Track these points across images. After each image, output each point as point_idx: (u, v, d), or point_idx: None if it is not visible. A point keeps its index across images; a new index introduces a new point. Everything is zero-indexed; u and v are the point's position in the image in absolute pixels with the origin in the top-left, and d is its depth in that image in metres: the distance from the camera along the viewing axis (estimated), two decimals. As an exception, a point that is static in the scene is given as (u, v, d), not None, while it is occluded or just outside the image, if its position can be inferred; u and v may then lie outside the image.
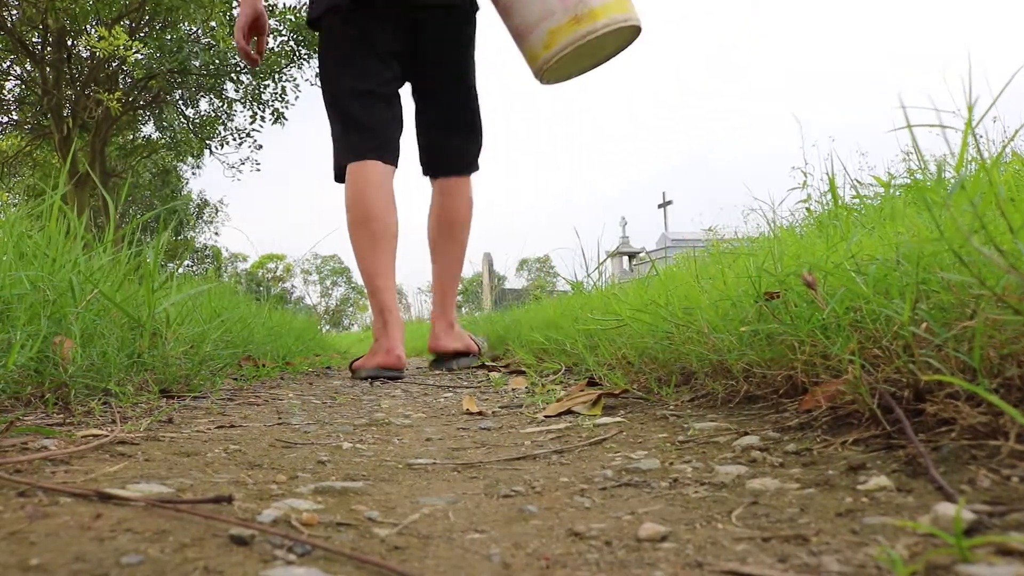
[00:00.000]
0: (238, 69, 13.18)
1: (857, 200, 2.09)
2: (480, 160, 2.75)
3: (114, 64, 12.44)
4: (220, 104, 14.35)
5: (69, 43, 12.86)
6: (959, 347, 0.85)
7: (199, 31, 12.92)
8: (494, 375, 2.71)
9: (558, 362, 2.69)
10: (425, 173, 2.73)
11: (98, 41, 10.03)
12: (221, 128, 14.75)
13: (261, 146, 15.15)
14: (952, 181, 1.12)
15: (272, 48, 13.54)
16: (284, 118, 14.31)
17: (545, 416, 1.53)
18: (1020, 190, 1.09)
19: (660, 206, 18.36)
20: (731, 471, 0.89)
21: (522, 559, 0.62)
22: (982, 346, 0.80)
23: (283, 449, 1.17)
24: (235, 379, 2.41)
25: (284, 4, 13.32)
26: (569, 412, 1.53)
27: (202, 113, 14.63)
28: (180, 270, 2.58)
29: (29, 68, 13.30)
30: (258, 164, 15.61)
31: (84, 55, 13.07)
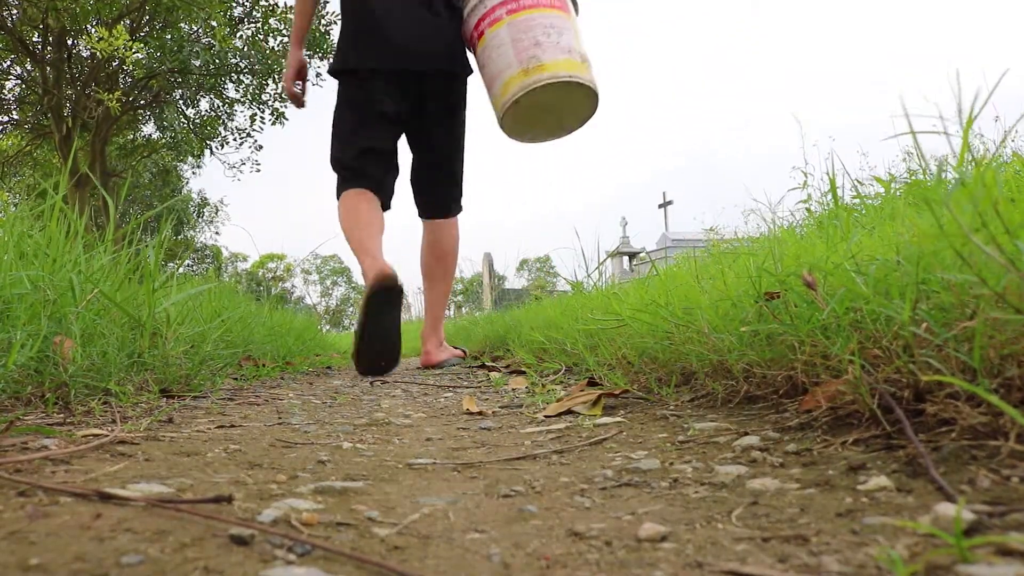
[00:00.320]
0: (238, 69, 13.19)
1: (857, 200, 2.09)
2: (462, 202, 3.19)
3: (114, 64, 12.45)
4: (220, 104, 14.35)
5: (69, 43, 12.86)
6: (959, 347, 0.85)
7: (199, 31, 12.93)
8: (494, 375, 2.71)
9: (558, 362, 2.69)
10: (420, 215, 3.18)
11: (98, 41, 10.02)
12: (221, 128, 14.76)
13: (261, 146, 15.15)
14: (952, 181, 1.12)
15: (272, 48, 13.55)
16: (284, 118, 14.31)
17: (545, 416, 1.53)
18: (1020, 190, 1.09)
19: (660, 206, 18.37)
20: (731, 471, 0.89)
21: (522, 559, 0.62)
22: (982, 346, 0.80)
23: (283, 449, 1.17)
24: (235, 379, 2.42)
25: (285, 4, 13.32)
26: (569, 412, 1.53)
27: (202, 113, 14.64)
28: (180, 270, 2.58)
29: (29, 68, 13.31)
30: (258, 164, 15.61)
31: (84, 55, 13.08)
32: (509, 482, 0.93)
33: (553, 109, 2.58)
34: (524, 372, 2.65)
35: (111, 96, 11.12)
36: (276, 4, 13.41)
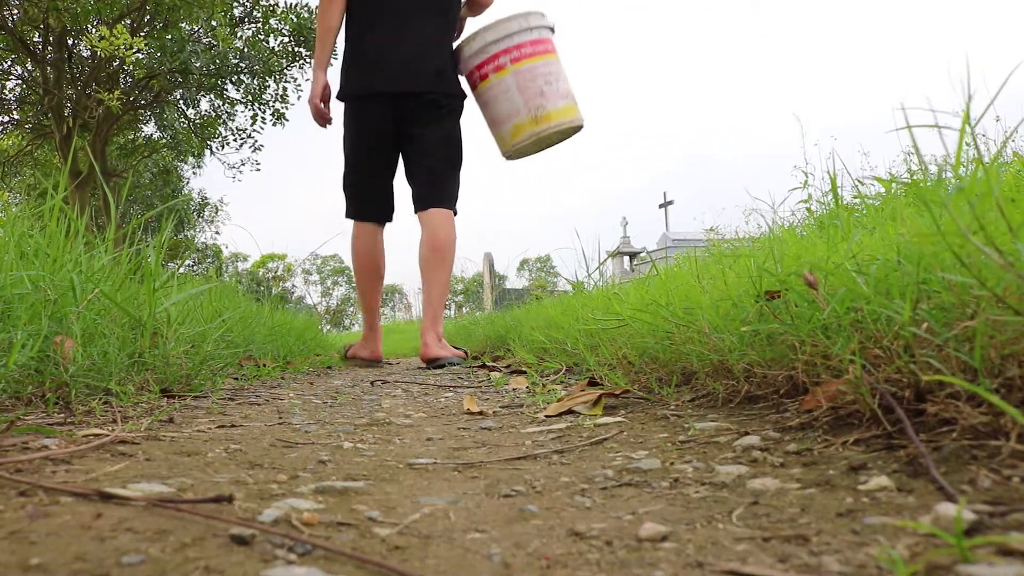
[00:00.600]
0: (239, 70, 13.18)
1: (858, 200, 2.09)
2: (457, 205, 3.46)
3: (115, 64, 12.44)
4: (221, 104, 14.34)
5: (70, 43, 12.86)
6: (960, 347, 0.85)
7: (200, 31, 12.92)
8: (495, 375, 2.71)
9: (559, 362, 2.69)
10: (415, 211, 3.44)
11: (99, 41, 10.02)
12: (222, 128, 14.75)
13: (262, 147, 15.13)
14: (952, 182, 1.12)
15: (273, 48, 13.53)
16: (285, 118, 14.30)
17: (546, 416, 1.53)
18: (1021, 190, 1.09)
19: (661, 206, 18.37)
20: (732, 471, 0.89)
21: (523, 559, 0.62)
22: (983, 346, 0.80)
23: (284, 449, 1.17)
24: (236, 379, 2.42)
25: (286, 4, 13.32)
26: (570, 412, 1.53)
27: (203, 113, 14.63)
28: (181, 270, 2.58)
29: (30, 67, 13.30)
30: (258, 164, 15.61)
31: (85, 55, 13.07)
32: (510, 482, 0.93)
33: (548, 140, 3.18)
34: (525, 372, 2.65)
35: (111, 96, 11.12)
36: (276, 4, 13.41)
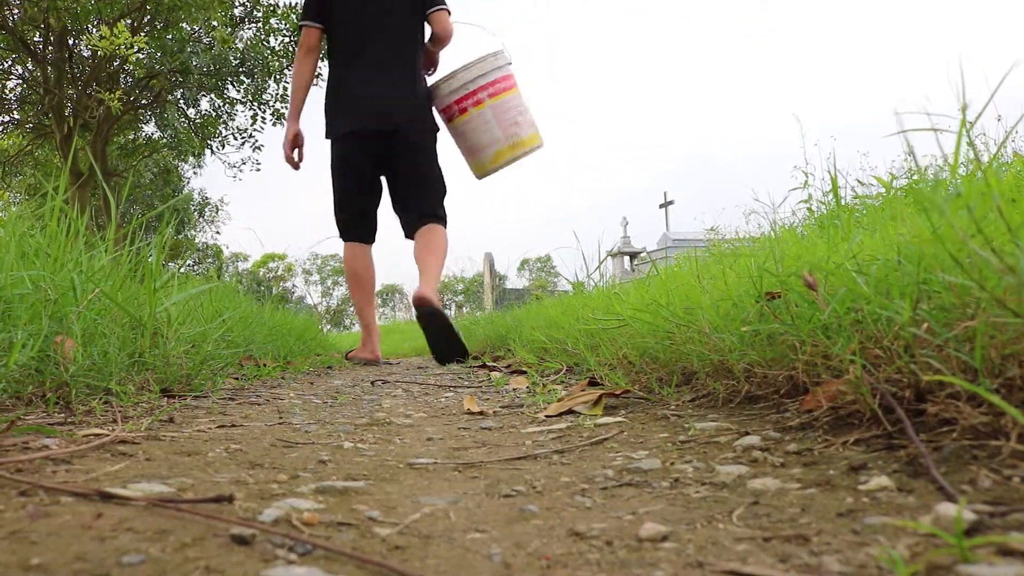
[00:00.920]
0: (239, 70, 13.18)
1: (858, 200, 2.09)
2: (446, 219, 3.77)
3: (115, 63, 12.44)
4: (221, 104, 14.34)
5: (70, 42, 12.86)
6: (960, 347, 0.85)
7: (200, 31, 12.92)
8: (495, 375, 2.71)
9: (559, 362, 2.69)
10: (406, 236, 3.82)
11: (99, 40, 10.02)
12: (222, 127, 14.75)
13: (262, 146, 15.14)
14: (950, 184, 1.12)
15: (273, 48, 13.54)
16: (285, 119, 14.31)
17: (546, 416, 1.53)
18: (1021, 190, 1.09)
19: (661, 206, 18.36)
20: (732, 471, 0.89)
21: (523, 559, 0.62)
22: (983, 346, 0.80)
23: (284, 449, 1.17)
24: (236, 379, 2.42)
25: (286, 4, 13.33)
26: (570, 412, 1.53)
27: (203, 112, 14.63)
28: (181, 269, 2.59)
29: (31, 67, 13.30)
30: (258, 164, 15.61)
31: (85, 54, 13.08)
32: (510, 482, 0.93)
33: (516, 161, 3.70)
34: (525, 372, 2.65)
35: (112, 96, 11.12)
36: (277, 3, 13.42)
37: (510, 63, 3.62)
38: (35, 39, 12.81)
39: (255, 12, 13.52)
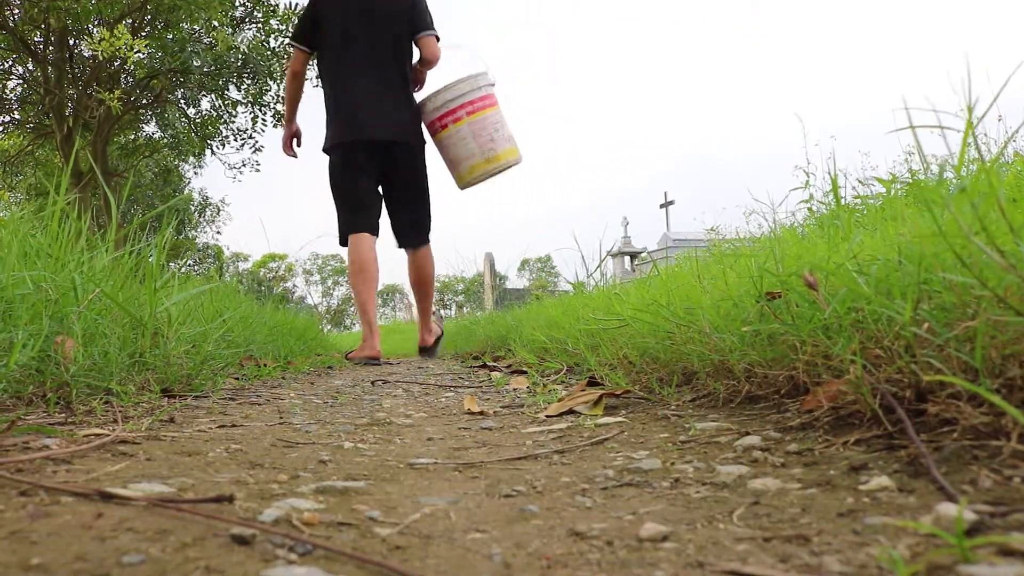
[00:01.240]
0: (240, 71, 13.18)
1: (859, 200, 2.09)
2: (431, 234, 4.25)
3: (116, 64, 12.44)
4: (221, 104, 14.33)
5: (71, 42, 12.86)
6: (961, 347, 0.85)
7: (201, 31, 12.92)
8: (496, 375, 2.71)
9: (559, 362, 2.69)
10: (399, 247, 4.27)
11: (99, 42, 10.02)
12: (223, 127, 14.74)
13: (262, 147, 15.13)
14: (953, 182, 1.12)
15: (274, 49, 13.54)
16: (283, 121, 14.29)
17: (546, 416, 1.53)
18: (1022, 190, 1.09)
19: (662, 206, 18.34)
20: (732, 471, 0.89)
21: (523, 559, 0.62)
22: (984, 346, 0.80)
23: (284, 449, 1.17)
24: (236, 379, 2.42)
25: (286, 5, 13.32)
26: (570, 412, 1.53)
27: (203, 112, 14.62)
28: (182, 270, 2.59)
29: (31, 67, 13.29)
30: (258, 165, 15.60)
31: (86, 54, 13.07)
32: (510, 482, 0.93)
33: (493, 174, 4.01)
34: (525, 372, 2.65)
35: (112, 96, 11.12)
36: (277, 5, 13.42)
37: (491, 84, 3.96)
38: (35, 39, 12.81)
39: (255, 13, 13.52)
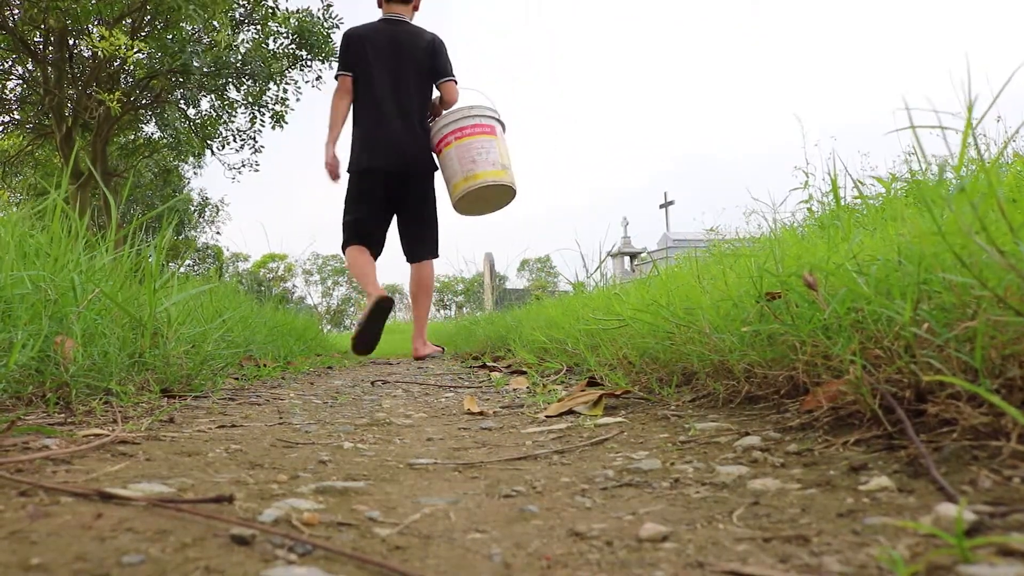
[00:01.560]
0: (240, 71, 13.17)
1: (859, 200, 2.09)
2: (438, 251, 4.59)
3: (115, 64, 12.43)
4: (221, 104, 14.32)
5: (71, 43, 12.85)
6: (960, 347, 0.85)
7: (200, 31, 12.91)
8: (495, 375, 2.71)
9: (559, 362, 2.69)
10: (408, 262, 4.60)
11: (99, 41, 10.01)
12: (222, 128, 14.73)
13: (262, 147, 15.12)
14: (953, 182, 1.12)
15: (273, 51, 13.54)
16: (284, 121, 14.27)
17: (546, 416, 1.53)
18: (1022, 191, 1.09)
19: (662, 206, 18.34)
20: (732, 471, 0.89)
21: (523, 559, 0.62)
22: (984, 346, 0.80)
23: (284, 449, 1.17)
24: (236, 379, 2.42)
25: (286, 8, 13.33)
26: (570, 412, 1.53)
27: (203, 113, 14.61)
28: (181, 270, 2.59)
29: (31, 67, 13.28)
30: (257, 166, 15.60)
31: (86, 55, 13.06)
32: (510, 482, 0.93)
33: (486, 199, 4.28)
34: (525, 372, 2.65)
35: (112, 96, 11.11)
36: (276, 6, 13.41)
37: (489, 116, 4.35)
38: (35, 39, 12.80)
39: (255, 14, 13.52)
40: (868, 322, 1.00)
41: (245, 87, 13.88)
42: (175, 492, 0.81)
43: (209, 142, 14.82)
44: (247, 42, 13.49)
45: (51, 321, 1.42)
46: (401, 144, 4.34)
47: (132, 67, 12.13)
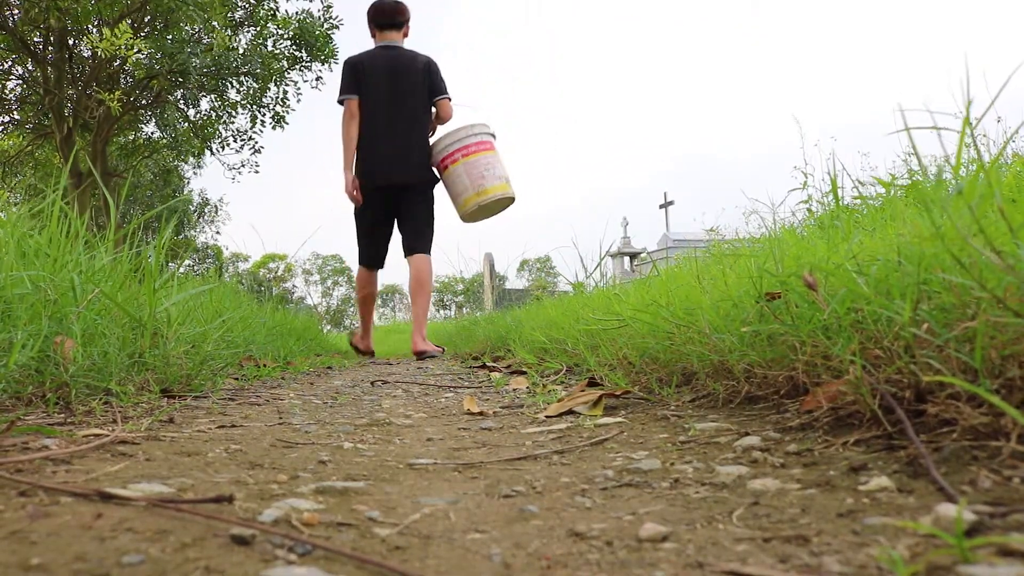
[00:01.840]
0: (239, 72, 13.17)
1: (858, 201, 2.09)
2: (432, 247, 4.99)
3: (115, 64, 12.43)
4: (221, 104, 14.31)
5: (71, 43, 12.84)
6: (960, 348, 0.85)
7: (200, 31, 12.90)
8: (495, 375, 2.71)
9: (559, 362, 2.69)
10: (405, 256, 4.96)
11: (100, 41, 10.02)
12: (222, 128, 14.72)
13: (261, 148, 15.11)
14: (952, 183, 1.12)
15: (273, 52, 13.53)
16: (284, 122, 14.27)
17: (546, 416, 1.53)
18: (1021, 191, 1.09)
19: (661, 206, 18.35)
20: (732, 471, 0.89)
21: (523, 559, 0.62)
22: (983, 347, 0.80)
23: (284, 449, 1.17)
24: (236, 379, 2.42)
25: (286, 12, 13.34)
26: (570, 412, 1.53)
27: (203, 113, 14.60)
28: (181, 270, 2.59)
29: (31, 68, 13.27)
30: (257, 167, 15.59)
31: (86, 55, 13.06)
32: (510, 482, 0.93)
33: (492, 208, 4.81)
34: (525, 372, 2.65)
35: (112, 96, 11.11)
36: (276, 7, 13.41)
37: (488, 133, 4.81)
38: (35, 39, 12.80)
39: (255, 15, 13.51)
40: (868, 322, 1.00)
41: (245, 87, 13.88)
42: (175, 492, 0.81)
43: (209, 142, 14.81)
44: (246, 43, 13.49)
45: (51, 321, 1.42)
46: (402, 161, 4.79)
47: (132, 67, 12.13)
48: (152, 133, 16.01)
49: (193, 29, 12.70)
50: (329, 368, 3.69)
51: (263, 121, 14.49)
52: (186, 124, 14.17)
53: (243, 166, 15.57)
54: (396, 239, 5.08)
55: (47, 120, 13.46)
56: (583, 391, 1.69)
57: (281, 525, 0.70)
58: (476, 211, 4.75)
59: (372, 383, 2.57)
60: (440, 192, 5.04)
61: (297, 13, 13.37)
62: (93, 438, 1.09)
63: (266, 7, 13.35)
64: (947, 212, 0.84)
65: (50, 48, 12.82)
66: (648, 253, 12.99)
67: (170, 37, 11.91)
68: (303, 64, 13.92)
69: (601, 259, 3.48)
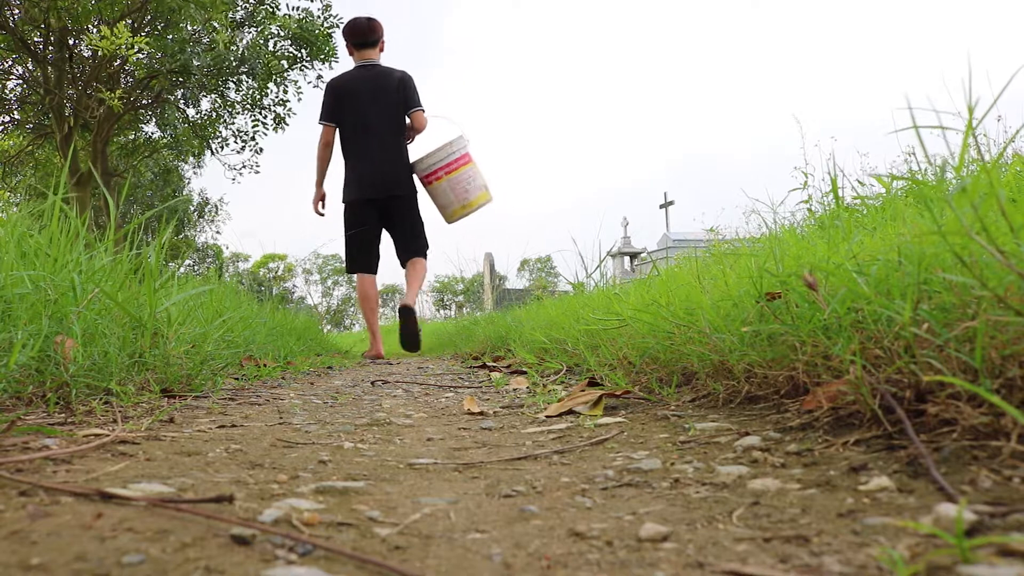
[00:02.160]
0: (239, 72, 13.16)
1: (858, 201, 2.09)
2: (427, 252, 5.40)
3: (116, 63, 12.43)
4: (221, 104, 14.29)
5: (71, 42, 12.84)
6: (960, 347, 0.85)
7: (200, 31, 12.89)
8: (495, 375, 2.71)
9: (559, 362, 2.69)
10: (402, 265, 5.39)
11: (100, 40, 10.01)
12: (222, 128, 14.71)
13: (261, 149, 15.09)
14: (953, 182, 1.12)
15: (273, 52, 13.53)
16: (285, 123, 14.27)
17: (546, 416, 1.53)
18: (1022, 191, 1.09)
19: (662, 206, 18.34)
20: (732, 471, 0.89)
21: (523, 559, 0.62)
22: (984, 346, 0.80)
23: (284, 449, 1.17)
24: (236, 379, 2.42)
25: (285, 12, 13.32)
26: (570, 412, 1.53)
27: (203, 113, 14.59)
28: (181, 270, 2.59)
29: (31, 67, 13.27)
30: (257, 167, 15.58)
31: (86, 54, 13.06)
32: (510, 482, 0.93)
33: (472, 213, 5.28)
34: (525, 372, 2.65)
35: (112, 95, 11.11)
36: (276, 8, 13.40)
37: (465, 145, 5.22)
38: (35, 39, 12.79)
39: (255, 15, 13.51)
40: (868, 322, 1.00)
41: (245, 87, 13.88)
42: (175, 492, 0.81)
43: (209, 142, 14.81)
44: (246, 42, 13.48)
45: (51, 321, 1.42)
46: (384, 175, 5.18)
47: (132, 67, 12.13)
48: (152, 133, 16.01)
49: (194, 28, 12.70)
50: (329, 368, 3.69)
51: (264, 122, 14.49)
52: (186, 124, 14.16)
53: (243, 167, 15.57)
54: (387, 245, 5.43)
55: (47, 120, 13.46)
56: (583, 391, 1.69)
57: (281, 525, 0.70)
58: (460, 217, 5.27)
59: (372, 383, 2.58)
60: (423, 197, 5.43)
61: (296, 11, 13.36)
62: (93, 438, 1.09)
63: (265, 7, 13.34)
64: (951, 208, 0.84)
65: (50, 48, 12.82)
66: (648, 253, 12.99)
67: (171, 36, 11.92)
68: (303, 63, 13.92)
69: (601, 259, 3.48)
